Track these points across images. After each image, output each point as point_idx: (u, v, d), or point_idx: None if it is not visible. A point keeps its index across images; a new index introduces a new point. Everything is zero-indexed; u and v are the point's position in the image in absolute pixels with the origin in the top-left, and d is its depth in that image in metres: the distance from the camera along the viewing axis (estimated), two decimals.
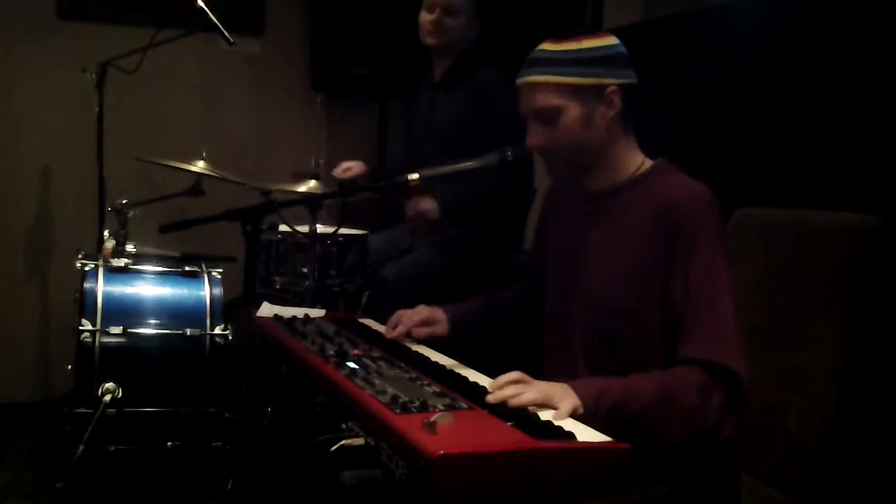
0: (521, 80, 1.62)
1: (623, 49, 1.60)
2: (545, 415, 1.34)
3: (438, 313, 1.89)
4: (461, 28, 2.90)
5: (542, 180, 3.14)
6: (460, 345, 1.86)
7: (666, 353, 1.51)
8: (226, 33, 2.76)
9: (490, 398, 1.37)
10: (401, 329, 1.87)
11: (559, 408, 1.35)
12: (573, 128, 1.57)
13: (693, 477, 1.50)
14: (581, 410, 1.36)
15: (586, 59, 1.56)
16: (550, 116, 1.58)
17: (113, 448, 2.27)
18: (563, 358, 1.65)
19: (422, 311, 1.90)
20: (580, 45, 1.56)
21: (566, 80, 1.55)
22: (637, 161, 1.64)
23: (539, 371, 1.65)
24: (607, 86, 1.56)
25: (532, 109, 1.60)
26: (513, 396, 1.37)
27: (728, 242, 1.55)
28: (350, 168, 3.07)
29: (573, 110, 1.56)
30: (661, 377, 1.43)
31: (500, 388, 1.39)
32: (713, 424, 1.42)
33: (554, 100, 1.56)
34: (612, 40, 1.60)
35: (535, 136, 1.62)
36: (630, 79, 1.59)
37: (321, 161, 2.87)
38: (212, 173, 2.78)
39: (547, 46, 1.59)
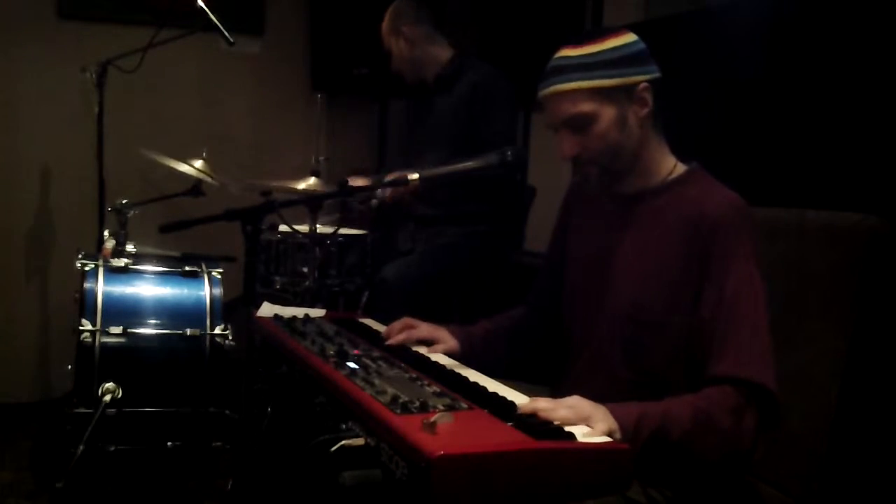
0: (546, 92, 1.54)
1: (643, 45, 1.55)
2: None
3: (442, 332, 1.82)
4: (397, 55, 3.00)
5: (542, 180, 3.15)
6: None
7: (687, 367, 1.48)
8: (226, 33, 2.76)
9: (522, 408, 1.32)
10: (401, 338, 1.80)
11: (594, 427, 1.28)
12: (608, 132, 1.51)
13: (694, 478, 1.49)
14: (618, 435, 1.29)
15: (612, 59, 1.50)
16: (582, 124, 1.51)
17: (113, 448, 2.27)
18: (581, 364, 1.63)
19: (424, 329, 1.83)
20: (603, 46, 1.51)
21: (596, 83, 1.49)
22: (669, 164, 1.59)
23: (557, 374, 1.64)
24: (638, 83, 1.51)
25: (561, 119, 1.53)
26: (545, 410, 1.30)
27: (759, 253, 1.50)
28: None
29: (607, 114, 1.50)
30: (696, 401, 1.38)
31: (535, 401, 1.33)
32: (747, 447, 1.40)
33: (585, 106, 1.50)
34: (632, 37, 1.54)
35: (569, 147, 1.54)
36: (656, 73, 1.54)
37: (322, 158, 2.87)
38: (211, 175, 2.78)
39: (567, 52, 1.53)
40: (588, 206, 1.73)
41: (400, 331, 1.82)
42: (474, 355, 1.79)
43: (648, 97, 1.53)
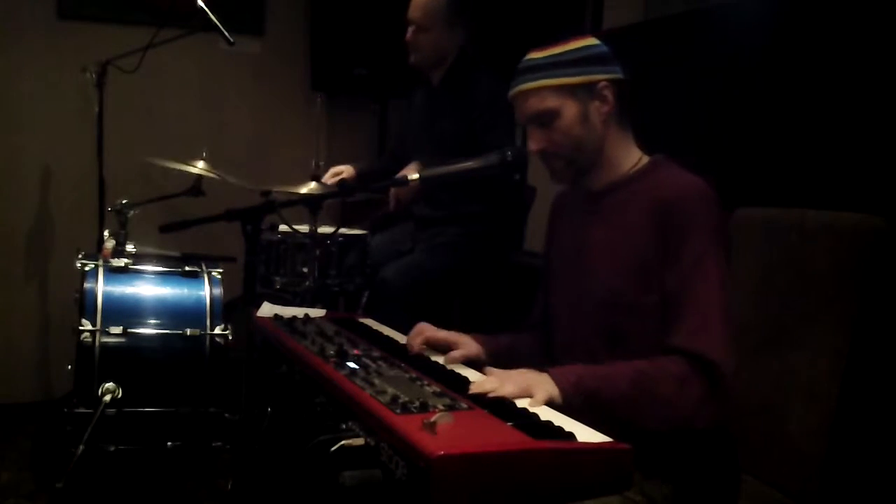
0: (514, 91, 1.66)
1: (605, 48, 1.64)
2: (536, 411, 1.34)
3: (463, 336, 1.78)
4: (435, 41, 2.93)
5: (542, 180, 3.15)
6: None
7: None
8: (226, 33, 2.76)
9: (472, 390, 1.40)
10: (419, 340, 1.75)
11: (535, 396, 1.39)
12: (571, 126, 1.61)
13: (693, 476, 1.50)
14: (558, 399, 1.40)
15: (574, 59, 1.60)
16: (547, 119, 1.61)
17: (113, 448, 2.27)
18: (569, 356, 1.65)
19: (443, 332, 1.78)
20: (566, 48, 1.62)
21: (558, 81, 1.60)
22: (634, 157, 1.67)
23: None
24: (598, 81, 1.60)
25: (529, 116, 1.64)
26: (492, 390, 1.40)
27: (727, 236, 1.57)
28: (340, 173, 3.09)
29: (569, 109, 1.60)
30: (640, 366, 1.46)
31: (482, 383, 1.43)
32: (690, 413, 1.44)
33: (549, 102, 1.60)
34: (593, 41, 1.65)
35: (536, 141, 1.65)
36: (618, 74, 1.63)
37: (321, 162, 2.87)
38: (211, 174, 2.78)
39: (533, 55, 1.64)
40: (569, 207, 1.80)
41: (416, 337, 1.77)
42: (498, 364, 1.73)
43: (610, 95, 1.61)
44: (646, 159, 1.67)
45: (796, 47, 2.25)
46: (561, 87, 1.60)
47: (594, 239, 1.65)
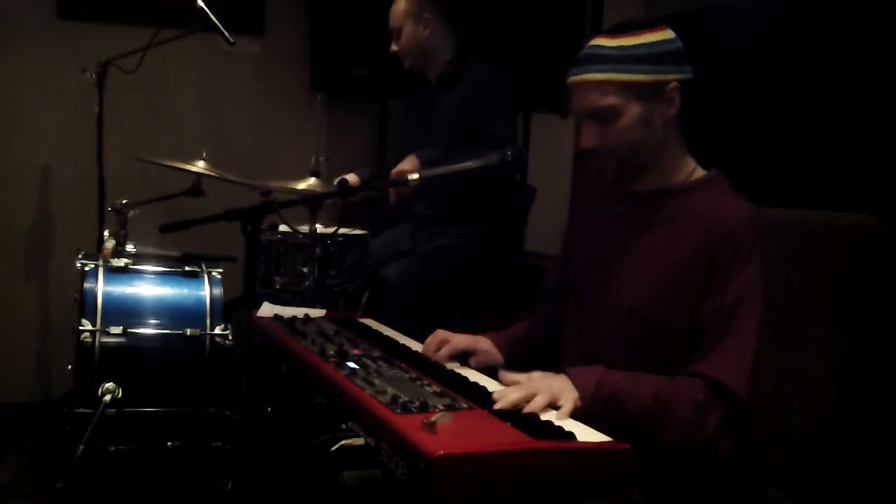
0: (576, 78, 1.51)
1: (680, 43, 1.52)
2: (546, 415, 1.34)
3: (483, 342, 1.75)
4: (410, 37, 2.96)
5: (542, 180, 3.14)
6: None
7: (685, 369, 1.48)
8: (226, 33, 2.76)
9: (498, 406, 1.34)
10: (444, 353, 1.70)
11: (562, 406, 1.35)
12: (631, 128, 1.49)
13: (695, 486, 1.49)
14: (580, 405, 1.37)
15: (647, 55, 1.48)
16: (606, 116, 1.50)
17: (113, 448, 2.26)
18: (582, 356, 1.62)
19: (461, 341, 1.74)
20: (639, 41, 1.48)
21: (627, 77, 1.47)
22: (688, 167, 1.59)
23: (556, 363, 1.63)
24: (669, 83, 1.49)
25: (586, 109, 1.52)
26: (523, 402, 1.35)
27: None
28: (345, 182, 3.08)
29: (633, 110, 1.49)
30: (662, 381, 1.42)
31: (506, 395, 1.36)
32: (708, 441, 1.40)
33: (613, 99, 1.48)
34: (669, 34, 1.52)
35: (588, 138, 1.53)
36: (689, 74, 1.52)
37: (322, 158, 2.87)
38: (212, 173, 2.78)
39: (602, 42, 1.50)
40: (598, 202, 1.71)
41: (437, 346, 1.72)
42: (516, 363, 1.73)
43: (677, 97, 1.51)
44: (700, 172, 1.58)
45: (796, 47, 2.25)
46: (627, 84, 1.46)
47: (631, 245, 1.58)
